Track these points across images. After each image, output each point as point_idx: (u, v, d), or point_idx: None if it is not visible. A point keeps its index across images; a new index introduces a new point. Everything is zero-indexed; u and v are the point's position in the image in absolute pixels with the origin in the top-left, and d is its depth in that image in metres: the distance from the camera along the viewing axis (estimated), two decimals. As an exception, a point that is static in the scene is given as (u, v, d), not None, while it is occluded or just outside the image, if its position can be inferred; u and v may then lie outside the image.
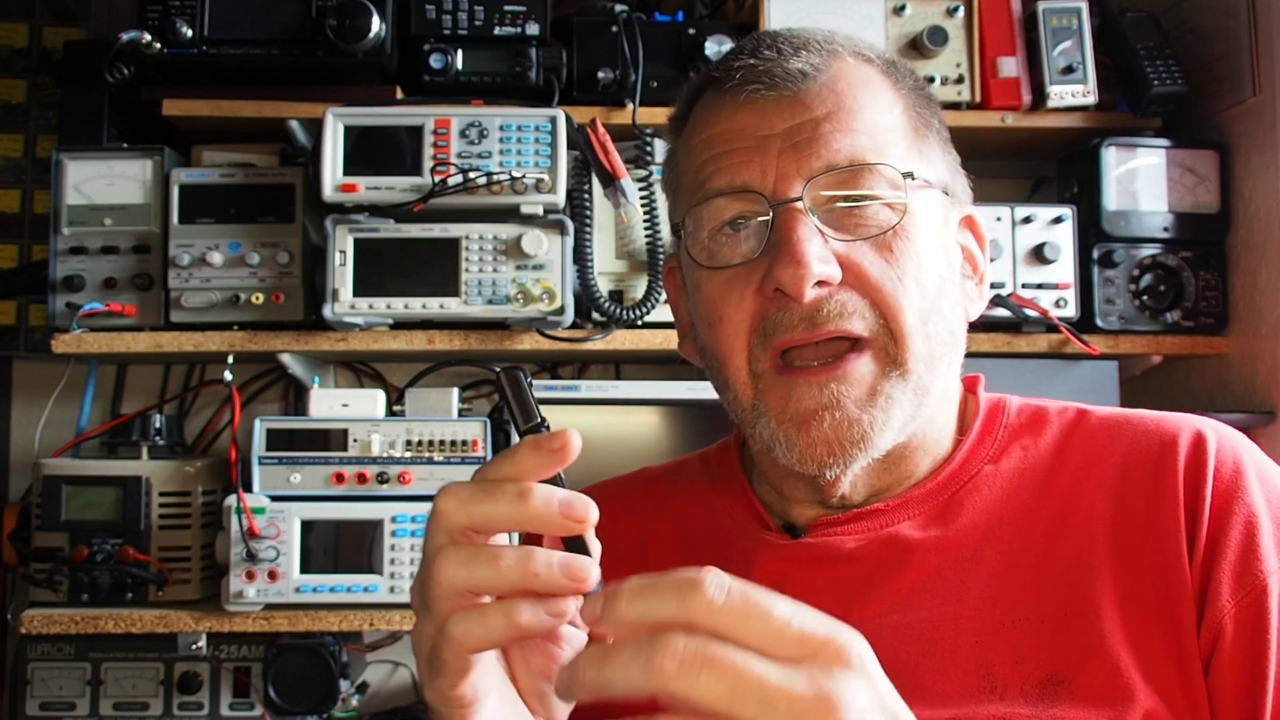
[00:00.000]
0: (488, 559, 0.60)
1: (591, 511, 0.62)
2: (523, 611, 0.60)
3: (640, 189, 1.76)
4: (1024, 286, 1.83)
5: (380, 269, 1.71)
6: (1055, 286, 1.83)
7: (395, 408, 1.86)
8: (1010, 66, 1.86)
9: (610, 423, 1.82)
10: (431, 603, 0.62)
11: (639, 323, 1.78)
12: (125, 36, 1.71)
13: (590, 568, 0.61)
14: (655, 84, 1.80)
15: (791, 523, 0.91)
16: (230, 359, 1.78)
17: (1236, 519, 0.78)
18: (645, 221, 1.77)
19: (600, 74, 1.79)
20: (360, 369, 2.11)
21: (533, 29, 1.78)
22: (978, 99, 1.86)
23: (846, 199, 0.82)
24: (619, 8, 1.84)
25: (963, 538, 0.84)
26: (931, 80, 1.83)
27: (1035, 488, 0.86)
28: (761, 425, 0.84)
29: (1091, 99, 1.87)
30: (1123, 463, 0.84)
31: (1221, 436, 0.83)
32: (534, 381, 0.67)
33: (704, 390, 1.70)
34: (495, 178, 1.69)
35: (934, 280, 0.84)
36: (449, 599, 0.61)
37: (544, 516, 0.61)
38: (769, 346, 0.82)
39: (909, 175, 0.82)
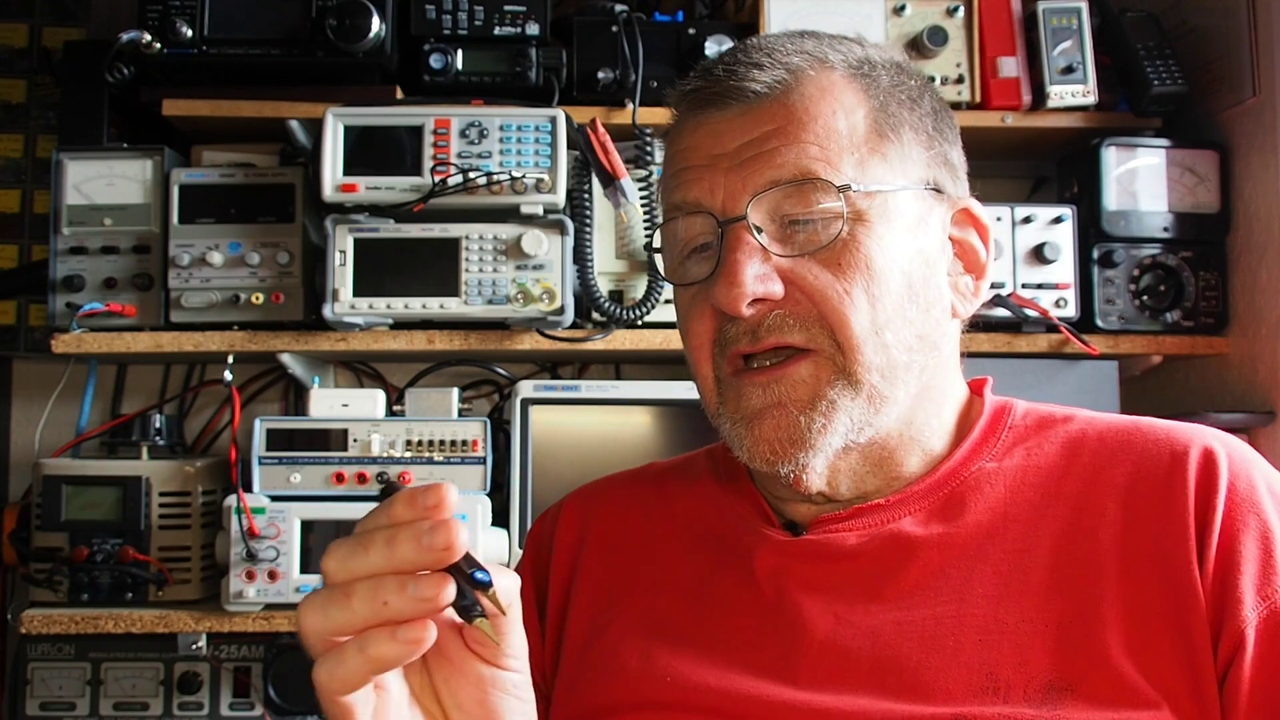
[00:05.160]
0: (339, 600, 0.61)
1: (447, 497, 0.62)
2: (377, 644, 0.61)
3: (640, 189, 1.76)
4: (1024, 286, 1.83)
5: (380, 269, 1.71)
6: (1055, 286, 1.83)
7: (395, 408, 1.86)
8: (1010, 66, 1.86)
9: (610, 423, 1.82)
10: (310, 653, 0.63)
11: (639, 323, 1.78)
12: (125, 36, 1.71)
13: (442, 587, 0.60)
14: (655, 84, 1.80)
15: (793, 520, 0.91)
16: (230, 359, 1.78)
17: (1251, 532, 0.78)
18: (645, 221, 1.77)
19: (600, 74, 1.79)
20: (360, 369, 2.11)
21: (533, 29, 1.78)
22: (978, 99, 1.86)
23: (794, 213, 0.83)
24: (619, 8, 1.84)
25: (967, 535, 0.84)
26: (931, 80, 1.83)
27: (1041, 488, 0.86)
28: (724, 426, 0.87)
29: (1091, 99, 1.87)
30: (1133, 471, 0.84)
31: (1232, 450, 0.84)
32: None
33: (704, 390, 1.70)
34: (495, 178, 1.69)
35: (894, 288, 0.84)
36: (316, 648, 0.62)
37: (414, 558, 0.61)
38: (726, 356, 0.85)
39: (846, 188, 0.82)
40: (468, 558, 0.62)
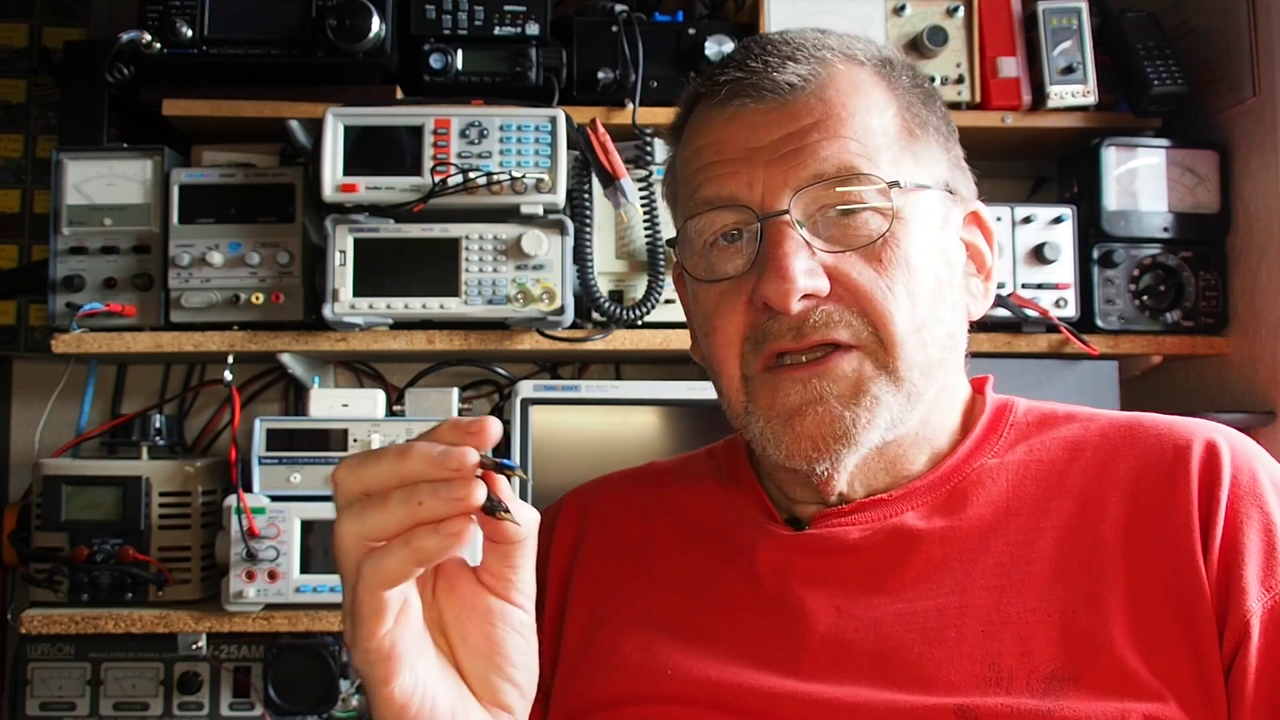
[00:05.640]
0: (376, 505, 0.65)
1: (489, 427, 0.65)
2: (421, 537, 0.64)
3: (640, 189, 1.76)
4: (1024, 286, 1.83)
5: (380, 269, 1.71)
6: (1055, 286, 1.83)
7: (395, 408, 1.86)
8: (1010, 66, 1.86)
9: (610, 423, 1.82)
10: (342, 562, 0.66)
11: (639, 323, 1.78)
12: (125, 36, 1.71)
13: (473, 486, 0.64)
14: (655, 84, 1.80)
15: (796, 517, 0.91)
16: (230, 359, 1.78)
17: (1254, 524, 0.79)
18: (645, 221, 1.77)
19: (600, 74, 1.79)
20: (360, 369, 2.11)
21: (533, 29, 1.78)
22: (978, 99, 1.86)
23: (835, 209, 0.83)
24: (619, 8, 1.84)
25: (969, 529, 0.84)
26: (931, 80, 1.83)
27: (1044, 482, 0.86)
28: (753, 425, 0.86)
29: (1091, 99, 1.87)
30: (1136, 466, 0.84)
31: (1234, 443, 0.84)
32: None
33: (704, 390, 1.70)
34: (495, 178, 1.69)
35: (929, 286, 0.84)
36: (354, 553, 0.65)
37: (421, 470, 0.64)
38: (760, 354, 0.84)
39: (895, 184, 0.83)
40: (493, 461, 0.66)
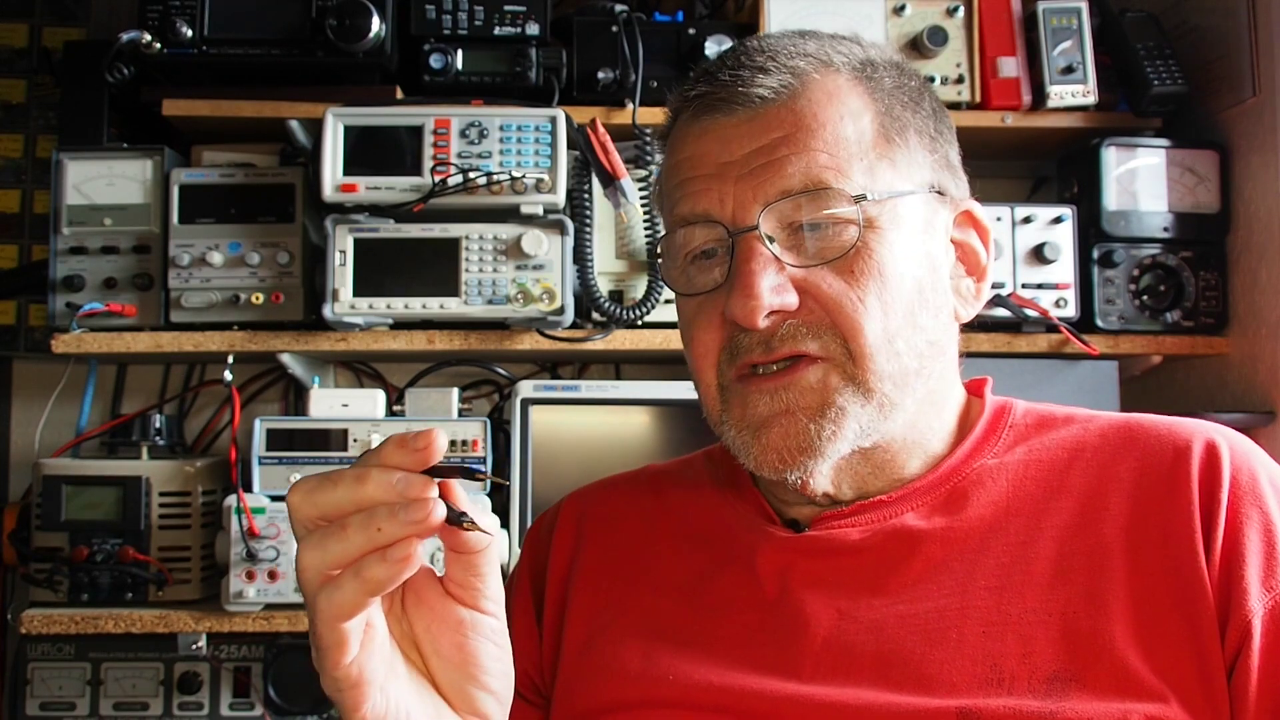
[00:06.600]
0: (335, 533, 0.64)
1: (435, 440, 0.64)
2: (370, 567, 0.63)
3: (640, 189, 1.76)
4: (1024, 286, 1.83)
5: (380, 269, 1.71)
6: (1055, 286, 1.83)
7: (395, 408, 1.86)
8: (1010, 66, 1.86)
9: (610, 423, 1.82)
10: (304, 592, 0.66)
11: (639, 323, 1.78)
12: (125, 36, 1.71)
13: (430, 507, 0.63)
14: (655, 84, 1.80)
15: (795, 519, 0.91)
16: (230, 359, 1.78)
17: (1255, 524, 0.79)
18: (645, 221, 1.77)
19: (600, 74, 1.79)
20: (360, 369, 2.11)
21: (533, 29, 1.78)
22: (978, 99, 1.86)
23: (806, 223, 0.83)
24: (619, 8, 1.84)
25: (969, 529, 0.84)
26: (931, 80, 1.83)
27: (1044, 483, 0.86)
28: (727, 433, 0.87)
29: (1091, 99, 1.87)
30: (1136, 467, 0.84)
31: (1233, 444, 0.84)
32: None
33: (704, 390, 1.70)
34: (495, 178, 1.69)
35: (906, 294, 0.84)
36: (315, 584, 0.65)
37: (380, 496, 0.64)
38: (734, 365, 0.85)
39: (862, 197, 0.82)
40: (452, 466, 0.66)
